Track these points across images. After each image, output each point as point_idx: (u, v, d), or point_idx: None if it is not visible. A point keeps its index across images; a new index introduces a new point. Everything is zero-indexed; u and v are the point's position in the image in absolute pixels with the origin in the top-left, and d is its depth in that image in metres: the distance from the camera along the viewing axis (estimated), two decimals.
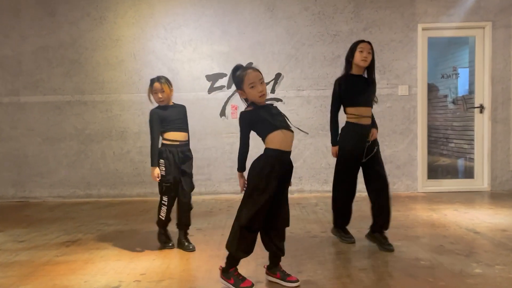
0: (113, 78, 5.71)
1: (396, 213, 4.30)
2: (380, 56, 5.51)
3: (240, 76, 2.44)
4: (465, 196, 5.31)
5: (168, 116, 3.35)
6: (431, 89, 8.67)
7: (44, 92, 5.72)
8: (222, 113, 5.70)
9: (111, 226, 4.24)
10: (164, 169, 3.31)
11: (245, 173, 2.55)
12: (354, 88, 3.29)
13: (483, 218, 4.16)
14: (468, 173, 6.12)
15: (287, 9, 5.63)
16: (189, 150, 3.46)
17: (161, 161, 3.32)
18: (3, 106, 5.75)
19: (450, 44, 8.33)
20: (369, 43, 3.30)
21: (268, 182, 2.40)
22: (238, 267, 2.57)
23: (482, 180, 5.76)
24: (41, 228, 4.23)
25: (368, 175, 3.37)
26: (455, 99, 8.49)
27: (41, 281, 2.80)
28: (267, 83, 5.61)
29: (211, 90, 5.70)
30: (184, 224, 3.46)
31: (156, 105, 3.40)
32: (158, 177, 3.30)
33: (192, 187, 3.47)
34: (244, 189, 2.50)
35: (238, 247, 2.45)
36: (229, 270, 2.54)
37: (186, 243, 3.42)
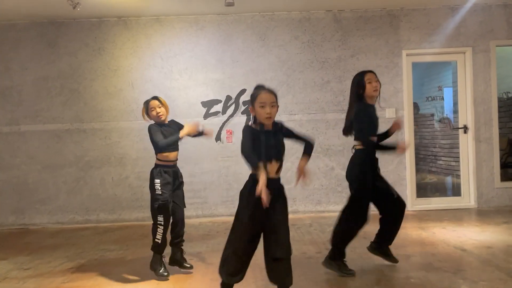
0: (111, 107, 5.90)
1: None
2: None
3: (254, 94, 2.50)
4: (453, 214, 5.52)
5: (164, 135, 3.40)
6: (418, 107, 8.96)
7: (44, 121, 5.89)
8: (218, 138, 5.89)
9: (112, 252, 4.36)
10: (159, 188, 3.38)
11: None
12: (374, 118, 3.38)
13: (470, 236, 4.36)
14: (456, 191, 6.34)
15: (278, 38, 5.92)
16: (178, 169, 3.57)
17: (156, 180, 3.39)
18: (3, 136, 5.89)
19: (436, 64, 8.58)
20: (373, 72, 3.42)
21: (254, 210, 2.42)
22: None
23: (469, 198, 5.98)
24: (44, 255, 4.33)
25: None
26: (442, 118, 8.77)
27: None
28: None
29: (206, 115, 5.91)
30: (180, 235, 3.51)
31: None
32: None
33: (184, 204, 3.60)
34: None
35: (226, 271, 2.54)
36: None
37: (185, 263, 3.52)
